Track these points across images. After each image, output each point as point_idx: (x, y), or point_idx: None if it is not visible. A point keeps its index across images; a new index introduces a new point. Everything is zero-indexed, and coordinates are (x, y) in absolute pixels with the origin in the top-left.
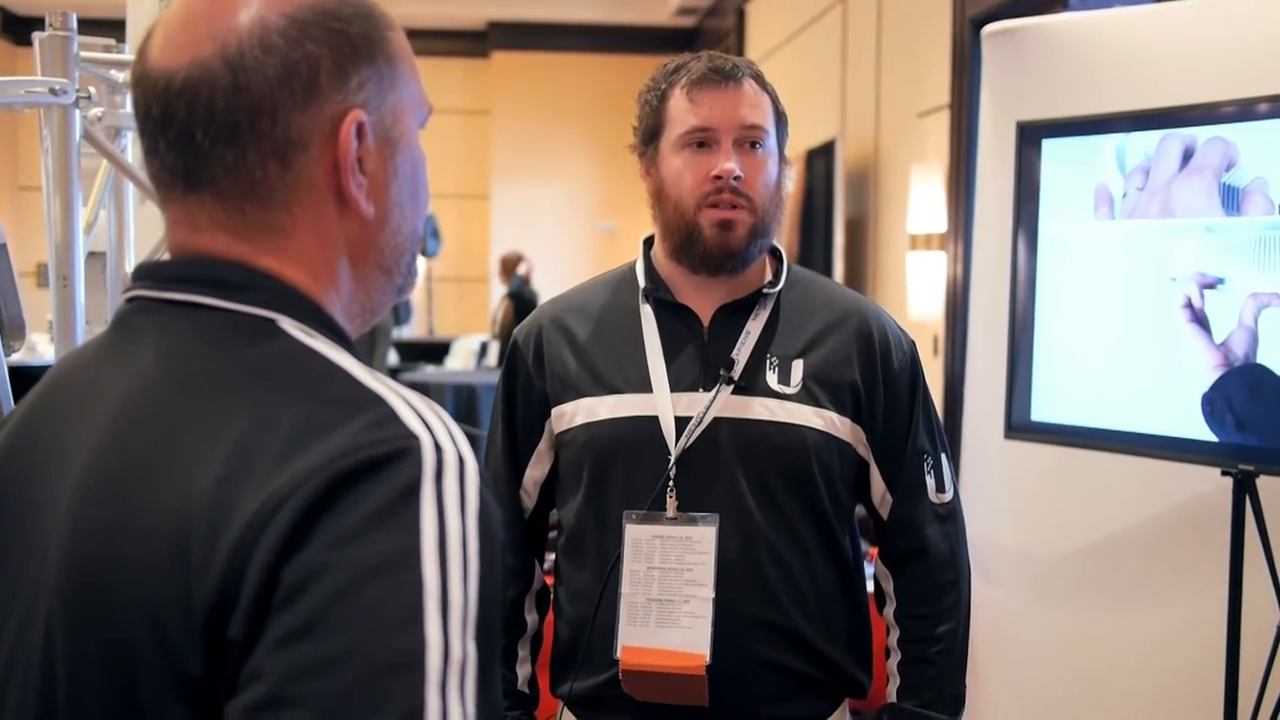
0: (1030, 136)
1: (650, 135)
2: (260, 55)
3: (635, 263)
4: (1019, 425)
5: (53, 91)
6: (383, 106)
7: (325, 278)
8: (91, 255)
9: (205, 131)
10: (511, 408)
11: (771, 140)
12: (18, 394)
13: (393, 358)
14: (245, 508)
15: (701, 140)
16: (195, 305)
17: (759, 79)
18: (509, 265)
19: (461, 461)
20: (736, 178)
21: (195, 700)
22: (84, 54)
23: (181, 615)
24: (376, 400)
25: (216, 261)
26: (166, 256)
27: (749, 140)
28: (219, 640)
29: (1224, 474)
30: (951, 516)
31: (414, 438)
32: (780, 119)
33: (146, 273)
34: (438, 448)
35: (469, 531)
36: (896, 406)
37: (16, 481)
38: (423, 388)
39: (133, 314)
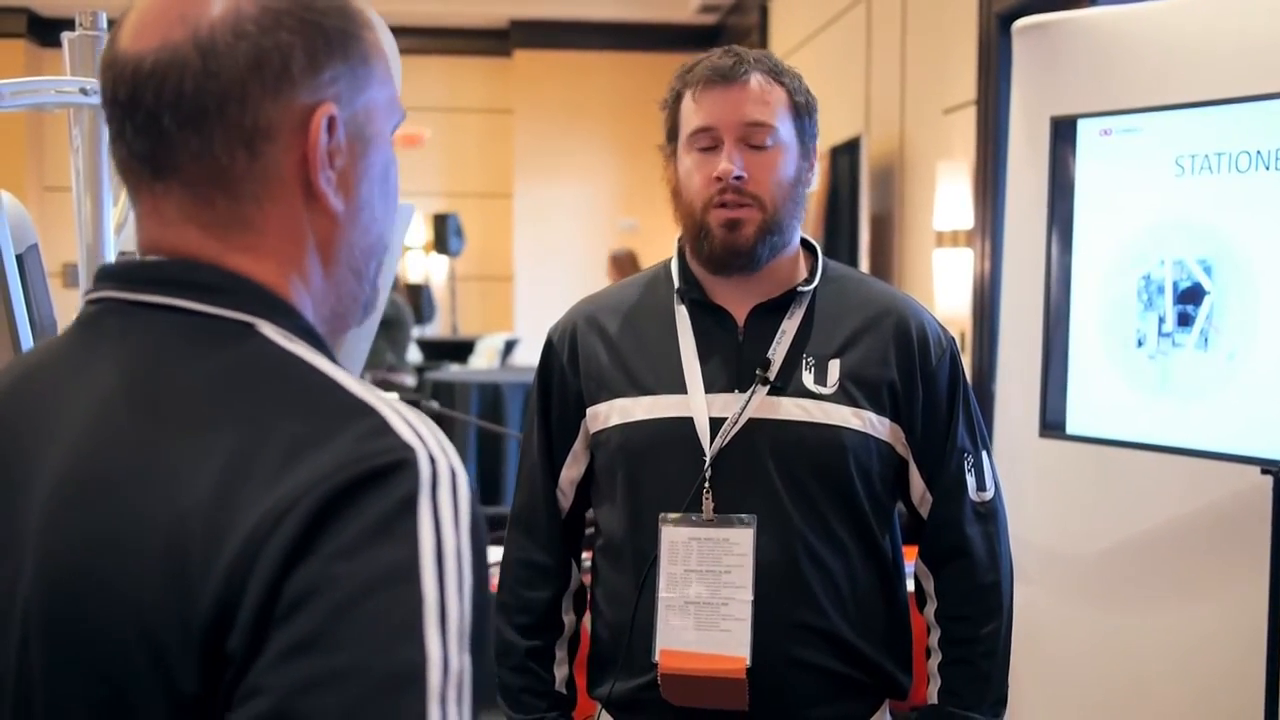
0: (1065, 131)
1: (670, 136)
2: (231, 40)
3: (669, 262)
4: (1054, 424)
5: (83, 91)
6: (354, 103)
7: (297, 278)
8: (121, 256)
9: (172, 116)
10: (546, 407)
11: (783, 134)
12: None
13: (416, 356)
14: (244, 522)
15: (707, 142)
16: (168, 308)
17: (772, 72)
18: (623, 263)
19: (454, 473)
20: (738, 178)
21: (190, 715)
22: None
23: (178, 631)
24: (368, 410)
25: (189, 262)
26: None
27: (752, 139)
28: (217, 655)
29: (1263, 472)
30: (993, 515)
31: (409, 449)
32: (799, 111)
33: (112, 274)
34: (432, 459)
35: (463, 544)
36: (935, 405)
37: None
38: (447, 386)
39: (100, 317)
